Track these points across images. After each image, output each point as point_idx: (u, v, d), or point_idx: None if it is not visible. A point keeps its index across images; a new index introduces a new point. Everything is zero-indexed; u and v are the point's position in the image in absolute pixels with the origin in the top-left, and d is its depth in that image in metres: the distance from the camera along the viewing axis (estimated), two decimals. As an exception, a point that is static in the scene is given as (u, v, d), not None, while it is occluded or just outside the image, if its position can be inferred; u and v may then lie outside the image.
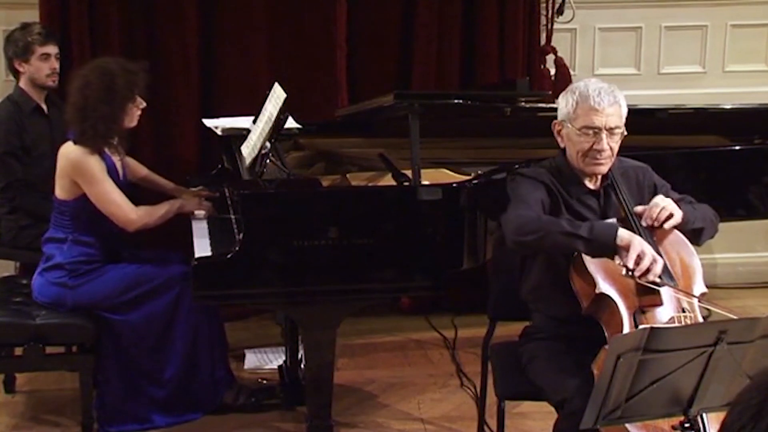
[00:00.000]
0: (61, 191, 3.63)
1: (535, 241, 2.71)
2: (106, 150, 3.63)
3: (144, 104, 3.69)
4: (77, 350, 3.74)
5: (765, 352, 2.31)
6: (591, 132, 2.79)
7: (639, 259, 2.61)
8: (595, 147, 2.80)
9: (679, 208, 2.82)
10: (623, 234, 2.65)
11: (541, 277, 2.91)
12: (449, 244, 3.41)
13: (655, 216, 2.76)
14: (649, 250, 2.63)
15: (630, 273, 2.62)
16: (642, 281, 2.63)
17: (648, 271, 2.61)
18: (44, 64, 4.16)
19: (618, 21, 5.16)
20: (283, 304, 3.48)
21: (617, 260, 2.65)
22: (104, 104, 3.55)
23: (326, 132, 4.30)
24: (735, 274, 5.34)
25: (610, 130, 2.79)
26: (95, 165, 3.57)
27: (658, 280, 2.64)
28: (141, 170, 4.06)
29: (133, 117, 3.67)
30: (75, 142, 3.58)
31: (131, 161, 4.04)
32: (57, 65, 4.19)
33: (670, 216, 2.76)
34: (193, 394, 3.73)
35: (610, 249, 2.66)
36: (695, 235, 2.90)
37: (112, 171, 3.65)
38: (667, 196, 2.92)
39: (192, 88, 4.71)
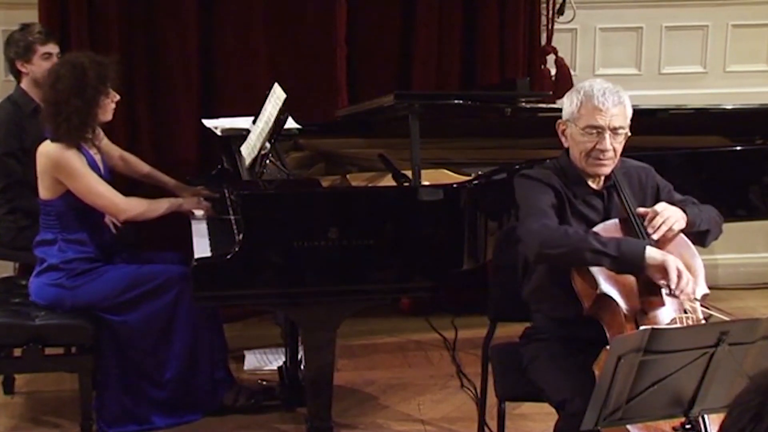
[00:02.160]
0: (44, 191, 3.61)
1: (561, 255, 2.70)
2: (84, 145, 3.62)
3: (118, 97, 3.67)
4: (76, 351, 3.72)
5: (766, 353, 2.30)
6: (594, 132, 2.78)
7: (679, 279, 2.61)
8: (598, 147, 2.78)
9: (684, 210, 2.81)
10: (654, 254, 2.65)
11: (543, 278, 2.90)
12: (449, 244, 3.41)
13: (657, 226, 2.75)
14: (683, 268, 2.64)
15: (671, 292, 2.63)
16: (682, 298, 2.64)
17: (686, 289, 2.63)
18: (46, 63, 4.15)
19: (619, 21, 5.15)
20: (283, 305, 3.47)
21: (658, 280, 2.65)
22: (76, 98, 3.53)
23: (326, 132, 4.30)
24: (736, 275, 5.32)
25: (614, 130, 2.78)
26: (75, 159, 3.55)
27: (696, 298, 2.66)
28: (143, 167, 4.05)
29: (107, 110, 3.64)
30: (52, 140, 3.57)
31: (132, 158, 4.04)
32: None
33: (669, 230, 2.75)
34: (192, 395, 3.72)
35: (637, 268, 2.66)
36: (701, 237, 2.89)
37: (92, 166, 3.63)
38: (670, 198, 2.91)
39: (192, 88, 4.70)
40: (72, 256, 3.62)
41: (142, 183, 4.10)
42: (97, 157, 3.71)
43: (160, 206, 3.74)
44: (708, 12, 5.18)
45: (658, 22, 5.17)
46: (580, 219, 2.84)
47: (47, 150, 3.58)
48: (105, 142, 3.85)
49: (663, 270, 2.63)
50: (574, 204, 2.86)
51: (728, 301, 4.90)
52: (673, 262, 2.63)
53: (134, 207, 3.66)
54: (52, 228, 3.64)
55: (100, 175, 3.66)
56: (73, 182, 3.56)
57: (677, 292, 2.62)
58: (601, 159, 2.80)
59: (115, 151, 3.95)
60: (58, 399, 3.98)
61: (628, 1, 5.13)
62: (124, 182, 3.97)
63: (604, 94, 2.78)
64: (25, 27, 4.23)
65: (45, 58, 4.15)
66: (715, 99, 4.65)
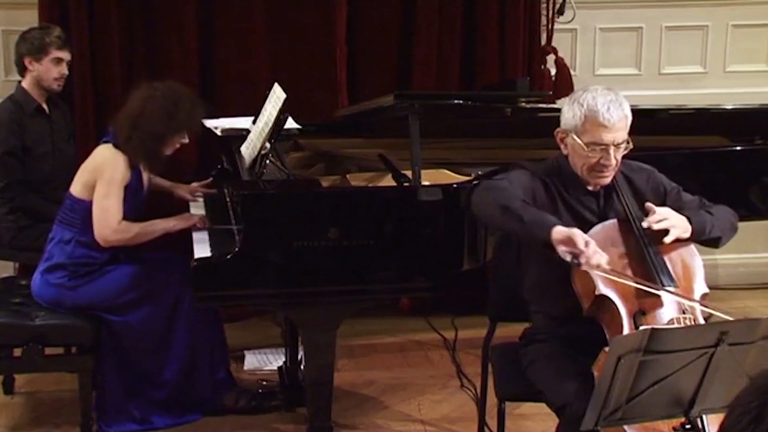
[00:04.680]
0: (82, 189, 3.61)
1: (482, 204, 2.77)
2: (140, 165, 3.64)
3: (186, 141, 3.69)
4: (76, 351, 3.72)
5: (766, 353, 2.30)
6: (598, 148, 2.77)
7: (586, 246, 2.56)
8: (601, 162, 2.77)
9: (692, 217, 2.79)
10: (562, 228, 2.60)
11: (540, 274, 2.89)
12: (449, 244, 3.41)
13: (653, 222, 2.74)
14: (590, 239, 2.58)
15: (576, 261, 2.57)
16: (595, 271, 2.60)
17: (591, 259, 2.57)
18: (55, 68, 4.16)
19: (619, 21, 5.16)
20: (283, 305, 3.47)
21: (564, 253, 2.59)
22: (158, 122, 3.55)
23: (326, 132, 4.30)
24: (736, 275, 5.33)
25: (617, 145, 2.77)
26: (119, 172, 3.56)
27: (606, 267, 2.60)
28: None
29: (172, 147, 3.67)
30: (114, 145, 3.58)
31: None
32: (66, 72, 4.20)
33: (666, 232, 2.73)
34: (192, 395, 3.72)
35: (540, 240, 2.62)
36: (713, 242, 2.88)
37: (137, 183, 3.65)
38: (678, 199, 2.90)
39: (192, 88, 4.67)
40: (79, 258, 3.61)
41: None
42: (145, 176, 3.72)
43: (152, 229, 3.65)
44: (708, 12, 5.18)
45: (658, 22, 5.17)
46: (575, 217, 2.84)
47: (106, 153, 3.60)
48: None
49: (569, 242, 2.57)
50: (569, 202, 2.86)
51: (728, 301, 4.90)
52: (579, 233, 2.58)
53: (120, 235, 3.57)
54: (72, 226, 3.63)
55: (140, 194, 3.68)
56: (101, 186, 3.55)
57: (583, 260, 2.56)
58: (603, 172, 2.79)
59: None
60: (58, 399, 3.98)
61: (628, 1, 5.13)
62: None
63: (609, 109, 2.72)
64: (45, 27, 4.25)
65: (55, 63, 4.16)
66: (715, 99, 4.65)
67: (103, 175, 3.56)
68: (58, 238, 3.66)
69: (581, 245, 2.56)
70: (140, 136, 3.55)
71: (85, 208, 3.61)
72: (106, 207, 3.55)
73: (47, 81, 4.16)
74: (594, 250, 2.57)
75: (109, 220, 3.56)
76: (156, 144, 3.59)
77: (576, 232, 2.59)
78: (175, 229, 3.73)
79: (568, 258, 2.59)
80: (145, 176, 3.71)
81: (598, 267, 2.59)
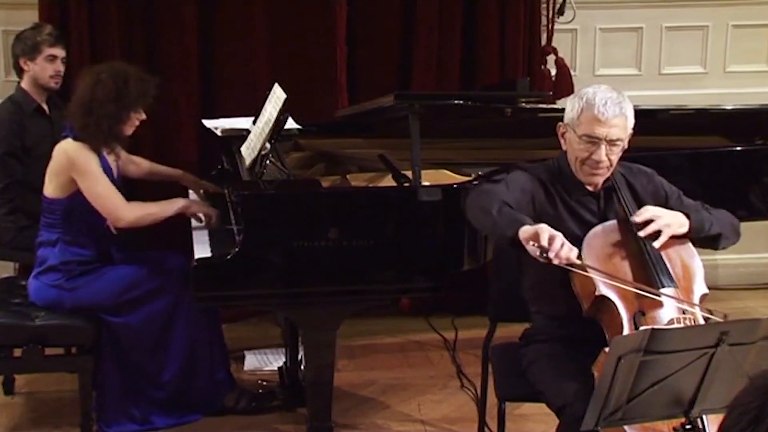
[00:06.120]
0: (55, 189, 3.60)
1: (469, 207, 2.77)
2: (104, 151, 3.62)
3: (144, 117, 3.67)
4: (76, 351, 3.72)
5: (766, 353, 2.30)
6: (591, 141, 2.77)
7: (551, 241, 2.49)
8: (593, 157, 2.76)
9: (691, 214, 2.80)
10: (527, 228, 2.54)
11: (540, 274, 2.88)
12: (450, 245, 3.41)
13: (645, 219, 2.73)
14: (556, 233, 2.50)
15: (545, 256, 2.48)
16: (559, 264, 2.51)
17: (560, 252, 2.49)
18: (50, 66, 4.16)
19: (619, 21, 5.16)
20: (283, 306, 3.47)
21: (533, 250, 2.50)
22: (111, 103, 3.54)
23: (326, 133, 4.30)
24: (736, 275, 5.32)
25: (611, 142, 2.76)
26: (92, 160, 3.55)
27: (577, 261, 2.54)
28: (143, 165, 4.04)
29: (131, 126, 3.65)
30: (74, 139, 3.57)
31: (133, 158, 4.01)
32: (62, 68, 4.21)
33: (659, 233, 2.73)
34: (192, 395, 3.72)
35: (506, 237, 2.57)
36: (713, 241, 2.87)
37: (106, 171, 3.63)
38: (679, 203, 2.90)
39: (192, 88, 4.70)
40: (70, 258, 3.61)
41: (147, 181, 4.08)
42: (113, 164, 3.70)
43: (170, 207, 3.67)
44: (708, 12, 5.18)
45: (659, 23, 5.17)
46: (575, 218, 2.84)
47: (67, 147, 3.58)
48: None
49: (536, 238, 2.50)
50: (569, 203, 2.86)
51: (728, 301, 4.90)
52: (545, 228, 2.51)
53: (136, 216, 3.61)
54: (54, 228, 3.63)
55: (112, 180, 3.66)
56: (84, 181, 3.55)
57: (552, 255, 2.48)
58: (594, 169, 2.79)
59: (126, 156, 3.93)
60: (58, 399, 3.98)
61: (628, 1, 5.13)
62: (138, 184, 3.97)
63: (606, 104, 2.73)
64: (37, 26, 4.25)
65: (49, 60, 4.16)
66: (715, 99, 4.65)
67: (77, 170, 3.55)
68: (46, 242, 3.66)
69: (544, 241, 2.47)
70: (96, 121, 3.53)
71: (62, 206, 3.61)
72: (102, 194, 3.55)
73: (44, 79, 4.17)
74: (560, 244, 2.48)
75: (115, 203, 3.57)
76: (113, 125, 3.57)
77: (542, 227, 2.51)
78: (189, 211, 3.73)
79: (537, 253, 2.50)
80: (112, 162, 3.69)
81: (567, 261, 2.51)
